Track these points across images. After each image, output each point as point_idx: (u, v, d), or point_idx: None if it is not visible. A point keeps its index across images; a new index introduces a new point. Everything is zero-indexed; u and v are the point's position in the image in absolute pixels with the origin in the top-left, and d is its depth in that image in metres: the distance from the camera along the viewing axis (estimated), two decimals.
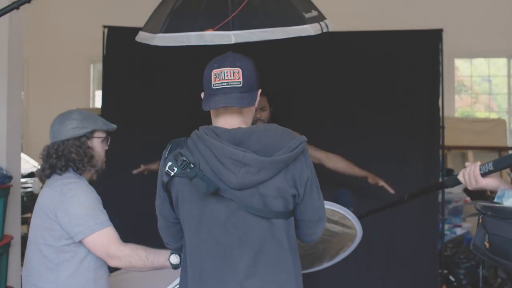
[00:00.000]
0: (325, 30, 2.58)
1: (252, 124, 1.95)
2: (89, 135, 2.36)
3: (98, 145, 2.40)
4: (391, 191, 3.46)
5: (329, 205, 2.58)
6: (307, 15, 2.52)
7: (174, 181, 1.84)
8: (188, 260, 1.87)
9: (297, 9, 2.50)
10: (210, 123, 1.94)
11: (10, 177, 3.81)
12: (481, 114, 7.99)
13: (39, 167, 2.41)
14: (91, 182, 4.82)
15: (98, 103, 7.09)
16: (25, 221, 4.77)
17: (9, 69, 3.90)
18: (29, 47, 6.88)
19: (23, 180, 4.63)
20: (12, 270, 3.81)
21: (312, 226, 1.94)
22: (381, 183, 3.51)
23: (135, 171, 3.80)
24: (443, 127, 4.29)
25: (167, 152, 1.87)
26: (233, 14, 2.38)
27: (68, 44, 7.44)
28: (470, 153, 6.55)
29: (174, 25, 2.49)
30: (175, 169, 1.81)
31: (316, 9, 2.67)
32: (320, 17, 2.63)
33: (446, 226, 4.81)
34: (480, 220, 1.80)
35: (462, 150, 6.69)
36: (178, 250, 2.08)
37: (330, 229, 2.70)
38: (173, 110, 4.37)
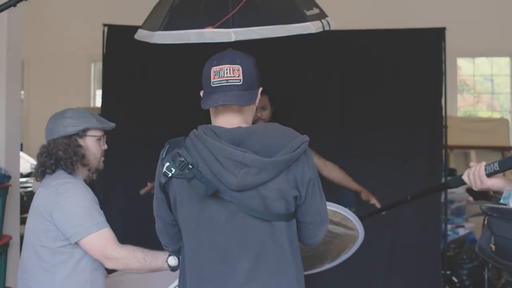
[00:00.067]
0: (326, 28, 2.54)
1: (253, 123, 1.91)
2: (82, 134, 2.30)
3: (92, 144, 2.34)
4: (377, 205, 3.42)
5: (330, 206, 2.54)
6: (308, 13, 2.48)
7: (172, 182, 1.80)
8: (186, 263, 1.83)
9: (298, 7, 2.47)
10: (211, 121, 1.90)
11: (9, 177, 3.79)
12: (484, 113, 7.96)
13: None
14: (91, 181, 4.82)
15: (99, 102, 7.07)
16: (25, 221, 4.72)
17: (8, 68, 3.88)
18: (29, 46, 6.90)
19: (23, 179, 4.61)
20: (11, 270, 3.78)
21: (314, 228, 1.89)
22: (373, 200, 3.47)
23: (142, 192, 3.75)
24: (446, 127, 4.26)
25: (164, 152, 1.82)
26: (233, 12, 2.35)
27: (69, 43, 7.44)
28: (472, 153, 6.52)
29: (173, 22, 2.46)
30: (173, 170, 1.76)
31: (317, 6, 2.64)
32: (321, 15, 2.59)
33: (449, 227, 4.79)
34: (486, 222, 1.75)
35: (465, 150, 6.66)
36: (176, 252, 2.03)
37: (332, 230, 2.66)
38: (173, 109, 4.34)
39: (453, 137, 4.91)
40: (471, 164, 1.96)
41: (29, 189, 5.78)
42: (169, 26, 2.46)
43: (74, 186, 2.22)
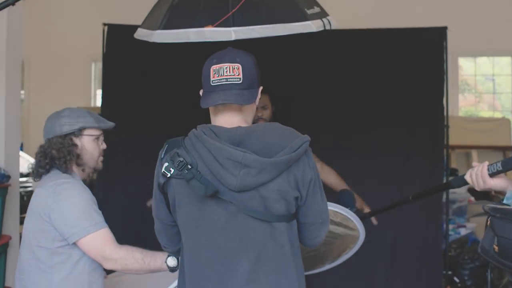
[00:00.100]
0: (327, 27, 2.52)
1: (253, 123, 1.88)
2: (78, 133, 2.28)
3: (89, 143, 2.32)
4: (374, 222, 3.40)
5: (331, 206, 2.52)
6: (309, 11, 2.46)
7: (171, 183, 1.77)
8: (186, 265, 1.80)
9: (298, 5, 2.44)
10: (211, 121, 1.88)
11: (8, 177, 3.78)
12: (485, 113, 7.95)
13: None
14: (91, 181, 4.80)
15: (99, 102, 7.03)
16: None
17: (7, 68, 3.87)
18: (30, 46, 6.90)
19: (23, 179, 4.60)
20: (11, 270, 3.77)
21: (314, 229, 1.86)
22: (366, 209, 3.44)
23: (148, 203, 3.73)
24: (447, 126, 4.24)
25: (163, 152, 1.80)
26: (233, 10, 2.32)
27: (69, 43, 7.43)
28: (474, 153, 6.50)
29: (173, 21, 2.44)
30: (172, 170, 1.73)
31: (318, 5, 2.62)
32: (322, 14, 2.57)
33: (450, 227, 4.76)
34: (489, 222, 1.74)
35: (466, 150, 6.65)
36: (176, 253, 2.01)
37: (333, 230, 2.64)
38: (174, 108, 4.32)
39: (455, 137, 4.90)
40: (474, 164, 1.94)
41: (29, 188, 5.77)
42: (168, 25, 2.44)
43: (72, 186, 2.20)
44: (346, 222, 2.72)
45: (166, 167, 1.75)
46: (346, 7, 5.90)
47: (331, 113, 4.32)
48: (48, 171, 2.25)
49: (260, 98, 3.65)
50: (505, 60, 7.64)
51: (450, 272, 4.50)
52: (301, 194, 1.77)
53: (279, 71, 4.19)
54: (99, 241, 2.13)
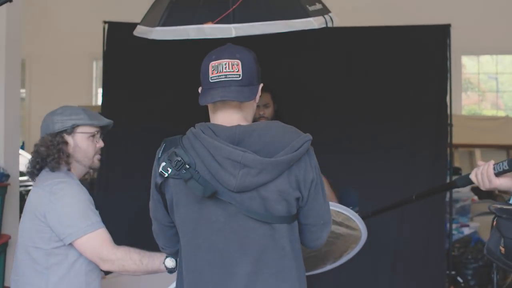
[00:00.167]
0: (329, 23, 2.48)
1: (255, 121, 1.84)
2: (70, 131, 2.23)
3: (83, 141, 2.26)
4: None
5: (333, 206, 2.48)
6: (311, 8, 2.43)
7: (169, 183, 1.73)
8: (184, 267, 1.76)
9: (300, 2, 2.41)
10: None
11: (8, 176, 3.76)
12: (488, 112, 7.91)
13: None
14: (91, 180, 4.76)
15: (100, 101, 7.05)
16: None
17: (7, 66, 3.87)
18: (31, 44, 6.90)
19: (24, 178, 4.57)
20: (10, 270, 3.73)
21: (316, 230, 1.82)
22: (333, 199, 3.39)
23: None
24: (451, 125, 4.21)
25: (161, 152, 1.76)
26: (233, 7, 2.29)
27: (70, 42, 7.42)
28: (477, 151, 6.47)
29: (173, 18, 2.41)
30: (169, 170, 1.69)
31: (320, 2, 2.58)
32: (324, 10, 2.54)
33: (454, 226, 4.73)
34: (495, 223, 1.69)
35: (470, 149, 6.61)
36: (174, 255, 1.97)
37: (334, 231, 2.60)
38: (175, 106, 4.30)
39: (458, 136, 4.87)
40: (479, 163, 1.90)
41: (30, 187, 5.73)
42: (168, 21, 2.40)
43: (69, 185, 2.16)
44: (348, 222, 2.69)
45: (163, 166, 1.70)
46: (348, 5, 5.86)
47: (333, 111, 4.29)
48: (39, 170, 2.21)
49: (262, 96, 3.62)
50: (508, 58, 7.61)
51: (453, 272, 4.47)
52: (303, 195, 1.73)
53: (281, 69, 4.17)
54: (96, 241, 2.09)
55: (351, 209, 2.73)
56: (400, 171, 4.14)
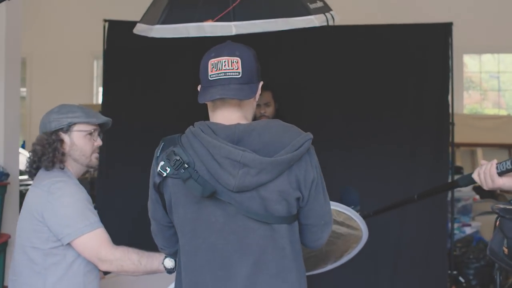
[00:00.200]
0: (330, 21, 2.47)
1: (256, 120, 1.82)
2: (67, 129, 2.21)
3: (79, 140, 2.23)
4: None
5: (334, 206, 2.46)
6: (312, 6, 2.41)
7: (167, 182, 1.70)
8: (182, 268, 1.74)
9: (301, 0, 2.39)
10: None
11: (7, 175, 3.75)
12: (490, 111, 7.89)
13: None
14: (92, 179, 4.72)
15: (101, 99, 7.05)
16: None
17: (6, 65, 3.86)
18: (32, 43, 6.90)
19: (24, 177, 4.56)
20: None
21: (317, 231, 1.79)
22: None
23: None
24: (453, 124, 4.19)
25: (159, 151, 1.73)
26: (234, 4, 2.28)
27: (71, 41, 7.41)
28: (479, 151, 6.45)
29: (172, 16, 2.39)
30: (168, 169, 1.66)
31: None
32: (325, 8, 2.52)
33: (455, 225, 4.71)
34: (498, 223, 1.67)
35: (471, 148, 6.59)
36: (174, 255, 1.94)
37: (335, 230, 2.58)
38: (175, 105, 4.29)
39: (460, 135, 4.85)
40: (482, 162, 1.87)
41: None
42: (168, 19, 2.39)
43: (66, 185, 2.13)
44: (349, 221, 2.67)
45: (162, 166, 1.68)
46: (349, 3, 5.84)
47: (334, 110, 4.28)
48: (36, 169, 2.19)
49: (263, 95, 3.61)
50: (510, 57, 7.60)
51: (455, 272, 4.44)
52: (303, 195, 1.70)
53: (282, 67, 4.15)
54: (94, 241, 2.07)
55: (352, 208, 2.71)
56: (402, 170, 4.13)
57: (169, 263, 2.03)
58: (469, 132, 6.28)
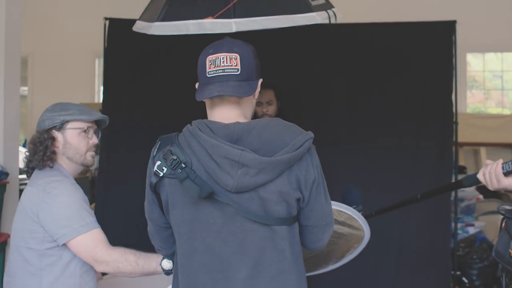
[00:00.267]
0: (332, 18, 2.43)
1: (257, 118, 1.78)
2: (60, 127, 2.18)
3: (73, 137, 2.19)
4: None
5: (335, 205, 2.43)
6: (313, 3, 2.38)
7: (164, 183, 1.67)
8: (179, 270, 1.70)
9: None
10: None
11: (7, 174, 3.73)
12: (493, 110, 7.85)
13: None
14: (93, 178, 4.69)
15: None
16: None
17: (6, 64, 3.85)
18: (33, 42, 6.89)
19: (24, 176, 4.54)
20: None
21: (317, 232, 1.75)
22: None
23: None
24: (456, 123, 4.16)
25: (155, 150, 1.69)
26: (234, 1, 2.25)
27: (73, 39, 7.40)
28: (482, 150, 6.41)
29: (172, 13, 2.36)
30: (165, 169, 1.62)
31: None
32: (327, 5, 2.49)
33: (458, 225, 4.67)
34: (504, 225, 1.63)
35: (475, 147, 6.55)
36: (171, 256, 1.90)
37: (337, 230, 2.55)
38: (176, 103, 4.25)
39: (463, 134, 4.82)
40: (487, 162, 1.83)
41: None
42: (167, 16, 2.36)
43: (62, 184, 2.10)
44: (351, 221, 2.63)
45: (158, 165, 1.64)
46: (352, 0, 5.80)
47: (337, 108, 4.26)
48: (32, 168, 2.16)
49: (265, 93, 3.58)
50: None
51: (458, 273, 4.41)
52: (304, 196, 1.66)
53: (284, 65, 4.13)
54: (90, 242, 2.03)
55: (354, 208, 2.67)
56: (405, 170, 4.10)
57: (167, 264, 1.99)
58: (472, 131, 6.25)
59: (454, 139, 4.19)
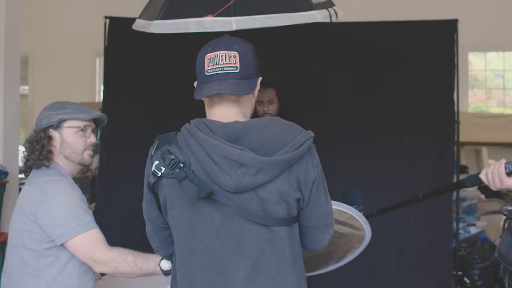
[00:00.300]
0: (333, 17, 2.41)
1: (258, 117, 1.76)
2: (57, 125, 2.16)
3: (70, 136, 2.17)
4: None
5: (335, 205, 2.41)
6: (314, 1, 2.36)
7: (162, 182, 1.64)
8: (178, 271, 1.67)
9: None
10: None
11: (6, 173, 3.71)
12: (495, 109, 7.83)
13: None
14: (93, 177, 4.67)
15: None
16: None
17: (5, 63, 3.84)
18: (34, 41, 6.87)
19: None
20: None
21: (317, 233, 1.73)
22: None
23: None
24: (458, 122, 4.14)
25: (153, 149, 1.67)
26: None
27: (74, 38, 7.39)
28: (484, 150, 6.38)
29: (172, 11, 2.34)
30: (163, 168, 1.60)
31: None
32: (328, 3, 2.47)
33: (460, 225, 4.66)
34: (506, 226, 1.62)
35: (476, 147, 6.53)
36: (170, 257, 1.87)
37: (337, 230, 2.53)
38: (177, 102, 4.23)
39: (464, 133, 4.80)
40: (490, 161, 1.82)
41: None
42: (167, 14, 2.34)
43: (60, 183, 2.08)
44: (352, 221, 2.61)
45: (156, 165, 1.62)
46: None
47: (338, 107, 4.24)
48: (30, 167, 2.14)
49: (266, 92, 3.56)
50: None
51: (460, 273, 4.39)
52: (304, 196, 1.64)
53: (285, 64, 4.12)
54: (89, 242, 2.01)
55: (355, 208, 2.65)
56: (406, 169, 4.09)
57: (166, 265, 1.98)
58: (474, 131, 6.23)
59: (456, 138, 4.17)
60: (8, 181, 3.74)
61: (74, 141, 2.18)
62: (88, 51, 7.38)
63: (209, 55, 1.64)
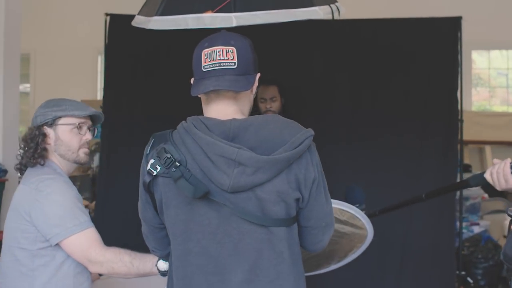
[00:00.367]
0: (336, 13, 2.37)
1: (256, 115, 1.72)
2: (52, 123, 2.12)
3: (64, 134, 2.13)
4: None
5: (337, 204, 2.38)
6: None
7: (157, 182, 1.61)
8: (174, 272, 1.64)
9: None
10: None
11: (6, 171, 3.70)
12: (498, 108, 7.80)
13: None
14: (94, 176, 4.64)
15: None
16: None
17: (5, 61, 3.84)
18: (35, 39, 6.85)
19: None
20: None
21: (317, 233, 1.68)
22: None
23: None
24: (461, 121, 4.10)
25: (149, 148, 1.63)
26: None
27: (75, 36, 7.38)
28: (488, 148, 6.35)
29: (171, 7, 2.31)
30: (158, 167, 1.56)
31: None
32: None
33: (463, 224, 4.62)
34: None
35: (480, 145, 6.49)
36: (166, 258, 1.83)
37: (339, 230, 2.50)
38: (178, 99, 4.17)
39: (468, 132, 4.77)
40: (495, 161, 1.78)
41: None
42: (166, 11, 2.31)
43: (55, 182, 2.04)
44: (353, 220, 2.58)
45: (152, 164, 1.58)
46: None
47: (342, 106, 4.23)
48: (25, 165, 2.11)
49: (269, 90, 3.53)
50: None
51: (463, 272, 4.35)
52: (303, 196, 1.59)
53: (286, 61, 4.10)
54: (84, 242, 1.97)
55: (357, 207, 2.62)
56: (409, 168, 4.07)
57: (163, 265, 1.93)
58: (477, 129, 6.19)
59: (459, 137, 4.14)
60: (7, 179, 3.73)
61: (69, 139, 2.13)
62: (89, 49, 7.38)
63: (206, 51, 1.60)
